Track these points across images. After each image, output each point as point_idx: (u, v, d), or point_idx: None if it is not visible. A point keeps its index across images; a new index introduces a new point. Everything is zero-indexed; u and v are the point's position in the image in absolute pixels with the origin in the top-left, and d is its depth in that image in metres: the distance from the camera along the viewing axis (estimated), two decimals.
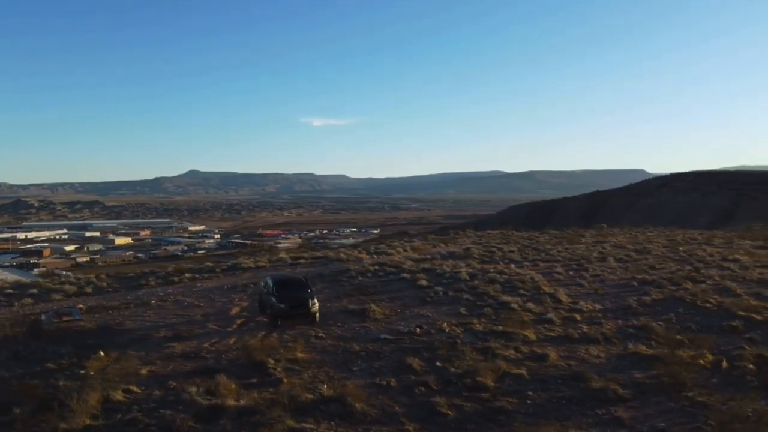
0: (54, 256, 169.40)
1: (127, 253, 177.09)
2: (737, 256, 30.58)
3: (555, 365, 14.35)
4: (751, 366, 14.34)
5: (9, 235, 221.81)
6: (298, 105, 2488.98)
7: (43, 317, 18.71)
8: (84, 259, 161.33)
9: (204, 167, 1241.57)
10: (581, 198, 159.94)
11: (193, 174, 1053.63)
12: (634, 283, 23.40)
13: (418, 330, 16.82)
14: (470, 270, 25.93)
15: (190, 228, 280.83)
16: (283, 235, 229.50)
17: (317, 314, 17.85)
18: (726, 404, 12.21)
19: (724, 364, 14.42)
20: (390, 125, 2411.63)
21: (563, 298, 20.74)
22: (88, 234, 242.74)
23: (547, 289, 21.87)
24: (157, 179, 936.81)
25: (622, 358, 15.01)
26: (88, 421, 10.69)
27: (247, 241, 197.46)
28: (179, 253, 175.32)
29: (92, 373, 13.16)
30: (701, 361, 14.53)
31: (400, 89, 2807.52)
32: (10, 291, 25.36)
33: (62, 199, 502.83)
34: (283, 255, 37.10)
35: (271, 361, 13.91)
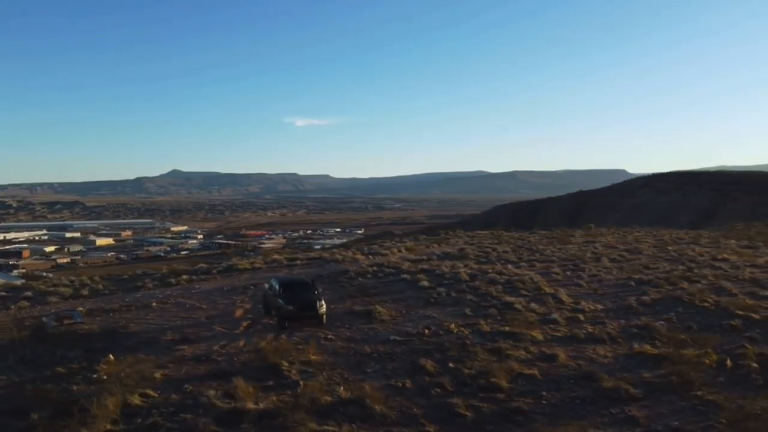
0: (33, 257, 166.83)
1: (109, 254, 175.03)
2: (726, 256, 31.16)
3: (565, 365, 14.53)
4: (754, 365, 14.65)
5: None
6: (282, 105, 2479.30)
7: (44, 320, 18.48)
8: (64, 260, 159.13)
9: (186, 167, 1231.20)
10: (565, 198, 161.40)
11: (175, 174, 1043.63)
12: (632, 283, 23.73)
13: (426, 331, 16.92)
14: (469, 271, 26.09)
15: (172, 228, 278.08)
16: (267, 236, 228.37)
17: (324, 316, 17.85)
18: (734, 402, 12.48)
19: (729, 363, 14.71)
20: (374, 125, 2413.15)
21: (565, 298, 20.97)
22: (68, 235, 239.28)
23: (547, 290, 22.10)
24: (138, 179, 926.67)
25: (629, 358, 15.24)
26: (108, 426, 10.61)
27: (230, 242, 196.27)
28: (162, 254, 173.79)
29: (105, 377, 13.03)
30: (706, 361, 14.83)
31: (384, 90, 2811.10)
32: (4, 293, 25.02)
33: (41, 199, 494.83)
34: (277, 256, 37.00)
35: (285, 364, 13.89)
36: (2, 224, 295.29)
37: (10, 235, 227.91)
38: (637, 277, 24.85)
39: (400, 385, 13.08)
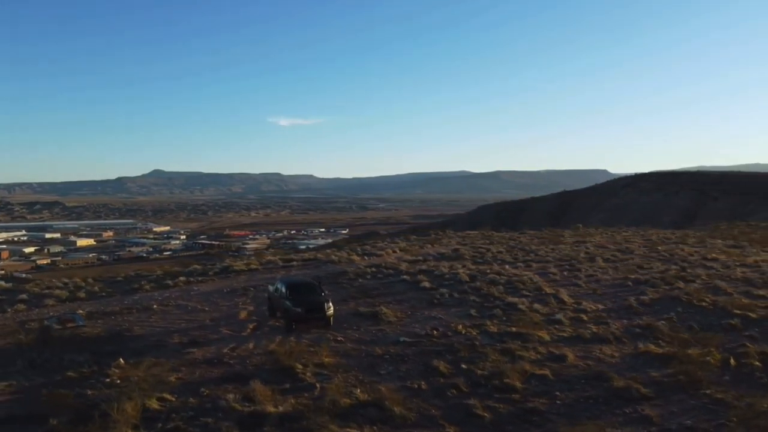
0: (12, 258, 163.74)
1: (90, 255, 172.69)
2: (716, 256, 31.74)
3: (575, 365, 14.71)
4: (757, 363, 14.95)
5: None
6: (266, 104, 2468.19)
7: (45, 323, 18.23)
8: (45, 262, 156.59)
9: (168, 167, 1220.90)
10: (549, 198, 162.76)
11: (157, 174, 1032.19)
12: (629, 283, 24.08)
13: (434, 332, 17.02)
14: (468, 271, 26.26)
15: (154, 229, 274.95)
16: (250, 236, 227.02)
17: (332, 318, 17.86)
18: (743, 401, 12.75)
19: (732, 361, 15.02)
20: (357, 126, 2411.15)
21: (566, 298, 21.21)
22: (48, 235, 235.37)
23: (548, 290, 22.34)
24: (119, 179, 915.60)
25: (635, 358, 15.47)
26: (129, 431, 10.54)
27: (214, 242, 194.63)
28: (144, 255, 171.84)
29: (119, 381, 12.92)
30: (711, 360, 15.13)
31: (367, 90, 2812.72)
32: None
33: (20, 199, 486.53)
34: (271, 257, 36.87)
35: (299, 366, 13.88)
36: None
37: None
38: (633, 277, 25.21)
39: (416, 386, 13.14)
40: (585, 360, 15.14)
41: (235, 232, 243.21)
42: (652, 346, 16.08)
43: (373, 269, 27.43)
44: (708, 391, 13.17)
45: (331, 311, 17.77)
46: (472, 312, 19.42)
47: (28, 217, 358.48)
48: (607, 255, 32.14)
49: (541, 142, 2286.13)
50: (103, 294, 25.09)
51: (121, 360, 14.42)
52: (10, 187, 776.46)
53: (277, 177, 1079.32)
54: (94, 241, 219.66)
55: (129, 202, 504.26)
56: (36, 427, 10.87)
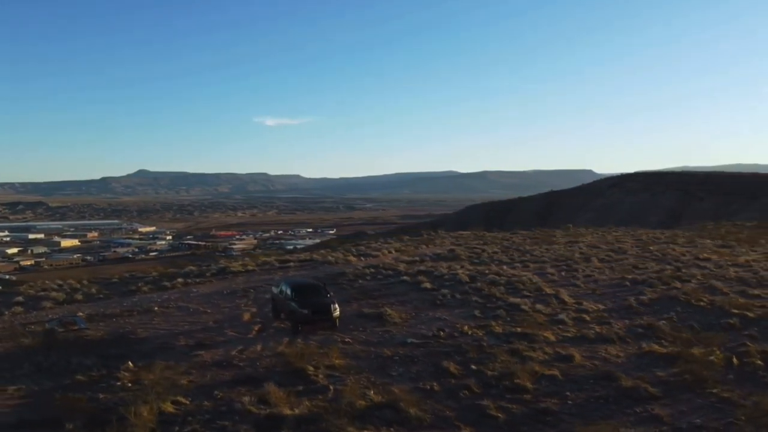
0: None
1: (75, 256, 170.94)
2: (708, 255, 32.17)
3: (582, 365, 14.86)
4: (759, 362, 15.19)
5: None
6: (252, 104, 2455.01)
7: (47, 326, 18.03)
8: (28, 263, 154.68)
9: (153, 167, 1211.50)
10: (536, 198, 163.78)
11: (142, 174, 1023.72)
12: (627, 283, 24.32)
13: (441, 333, 17.09)
14: (467, 272, 26.37)
15: (140, 229, 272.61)
16: (237, 236, 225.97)
17: (338, 319, 17.85)
18: (749, 399, 12.97)
19: (735, 360, 15.27)
20: (344, 125, 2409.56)
21: (567, 298, 21.40)
22: (31, 236, 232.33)
23: (548, 290, 22.52)
24: (104, 179, 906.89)
25: (640, 357, 15.65)
26: None
27: (200, 243, 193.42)
28: (130, 255, 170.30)
29: (130, 384, 12.84)
30: (714, 359, 15.36)
31: (354, 90, 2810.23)
32: None
33: (2, 199, 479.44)
34: (266, 258, 36.77)
35: (311, 368, 13.88)
36: None
37: None
38: (630, 277, 25.48)
39: (428, 387, 13.20)
40: (591, 360, 15.30)
41: (222, 233, 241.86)
42: (656, 346, 16.28)
43: (372, 270, 27.45)
44: (714, 390, 13.37)
45: (337, 313, 17.75)
46: (476, 313, 19.52)
47: (11, 217, 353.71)
48: (602, 255, 32.45)
49: (528, 143, 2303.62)
50: (101, 296, 24.86)
51: (130, 363, 14.31)
52: None
53: (263, 177, 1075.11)
54: (79, 241, 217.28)
55: (114, 203, 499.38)
56: (50, 431, 10.77)
